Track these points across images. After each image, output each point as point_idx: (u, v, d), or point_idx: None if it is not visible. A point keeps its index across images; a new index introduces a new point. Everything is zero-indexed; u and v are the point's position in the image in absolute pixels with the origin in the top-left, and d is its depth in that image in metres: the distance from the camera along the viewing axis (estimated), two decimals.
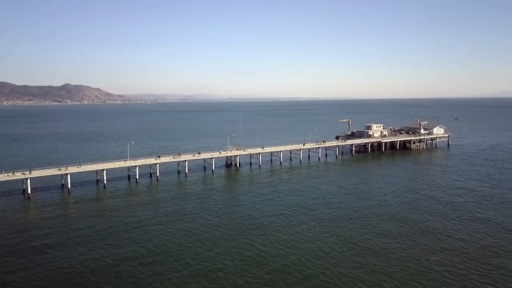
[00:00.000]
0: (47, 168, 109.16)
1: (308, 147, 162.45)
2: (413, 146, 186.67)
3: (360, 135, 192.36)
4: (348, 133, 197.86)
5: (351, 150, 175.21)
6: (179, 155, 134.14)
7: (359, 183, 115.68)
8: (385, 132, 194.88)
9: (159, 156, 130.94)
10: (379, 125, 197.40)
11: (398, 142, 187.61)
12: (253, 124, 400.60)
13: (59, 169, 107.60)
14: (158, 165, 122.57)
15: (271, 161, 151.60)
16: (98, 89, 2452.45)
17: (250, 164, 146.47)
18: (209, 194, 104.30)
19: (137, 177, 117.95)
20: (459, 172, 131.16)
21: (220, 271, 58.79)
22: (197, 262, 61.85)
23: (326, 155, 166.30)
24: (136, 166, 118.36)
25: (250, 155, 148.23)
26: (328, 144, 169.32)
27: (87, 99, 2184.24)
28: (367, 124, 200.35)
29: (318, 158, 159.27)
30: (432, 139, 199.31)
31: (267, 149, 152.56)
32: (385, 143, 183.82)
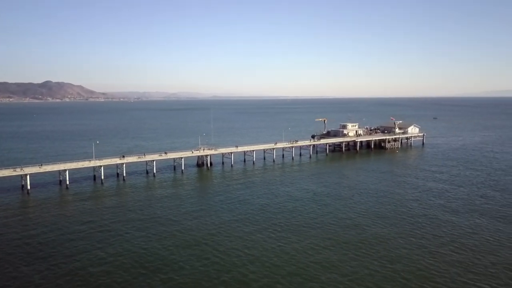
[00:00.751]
0: (4, 169, 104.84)
1: (281, 146, 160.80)
2: (388, 145, 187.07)
3: (336, 134, 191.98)
4: (324, 132, 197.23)
5: (326, 149, 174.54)
6: (144, 155, 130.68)
7: (330, 184, 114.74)
8: (361, 131, 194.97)
9: (123, 156, 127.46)
10: (355, 124, 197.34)
11: (373, 141, 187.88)
12: (234, 122, 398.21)
13: (14, 170, 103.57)
14: (124, 165, 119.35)
15: (244, 161, 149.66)
16: (80, 87, 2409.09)
17: (223, 163, 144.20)
18: (176, 195, 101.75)
19: (102, 177, 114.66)
20: (430, 172, 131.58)
21: (178, 276, 56.87)
22: (155, 267, 59.84)
23: (300, 155, 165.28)
24: (101, 166, 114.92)
25: (223, 155, 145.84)
26: (300, 143, 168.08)
27: (69, 96, 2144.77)
28: (342, 123, 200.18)
29: (292, 158, 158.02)
30: (407, 138, 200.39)
31: (240, 149, 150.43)
32: (361, 142, 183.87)
